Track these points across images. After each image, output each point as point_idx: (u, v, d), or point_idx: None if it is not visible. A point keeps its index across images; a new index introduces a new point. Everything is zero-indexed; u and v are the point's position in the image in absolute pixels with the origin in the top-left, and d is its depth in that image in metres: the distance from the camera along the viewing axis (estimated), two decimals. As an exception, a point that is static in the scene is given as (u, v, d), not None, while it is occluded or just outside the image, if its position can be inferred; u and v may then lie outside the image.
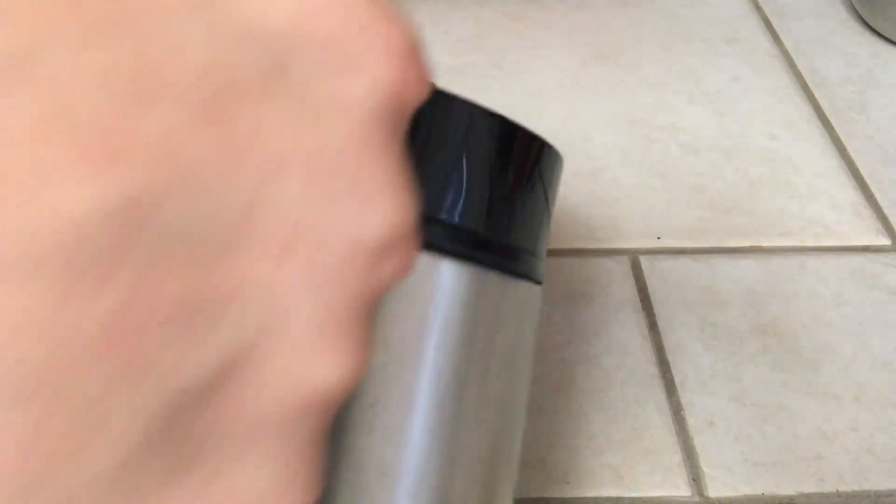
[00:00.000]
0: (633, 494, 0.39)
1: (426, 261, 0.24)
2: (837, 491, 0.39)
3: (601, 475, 0.39)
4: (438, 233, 0.24)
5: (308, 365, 0.14)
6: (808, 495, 0.39)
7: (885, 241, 0.52)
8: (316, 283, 0.14)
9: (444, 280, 0.25)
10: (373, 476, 0.24)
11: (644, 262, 0.50)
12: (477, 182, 0.25)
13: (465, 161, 0.25)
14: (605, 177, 0.55)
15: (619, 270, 0.49)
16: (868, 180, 0.56)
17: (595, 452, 0.40)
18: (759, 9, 0.72)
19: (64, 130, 0.11)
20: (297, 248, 0.13)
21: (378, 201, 0.14)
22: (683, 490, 0.39)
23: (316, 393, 0.14)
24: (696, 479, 0.39)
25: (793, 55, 0.67)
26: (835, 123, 0.61)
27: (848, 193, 0.55)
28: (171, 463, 0.13)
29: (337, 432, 0.23)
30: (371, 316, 0.15)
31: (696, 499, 0.39)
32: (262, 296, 0.13)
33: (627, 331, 0.46)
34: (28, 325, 0.11)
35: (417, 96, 0.15)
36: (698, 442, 0.41)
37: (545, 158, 0.28)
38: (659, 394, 0.43)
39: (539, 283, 0.28)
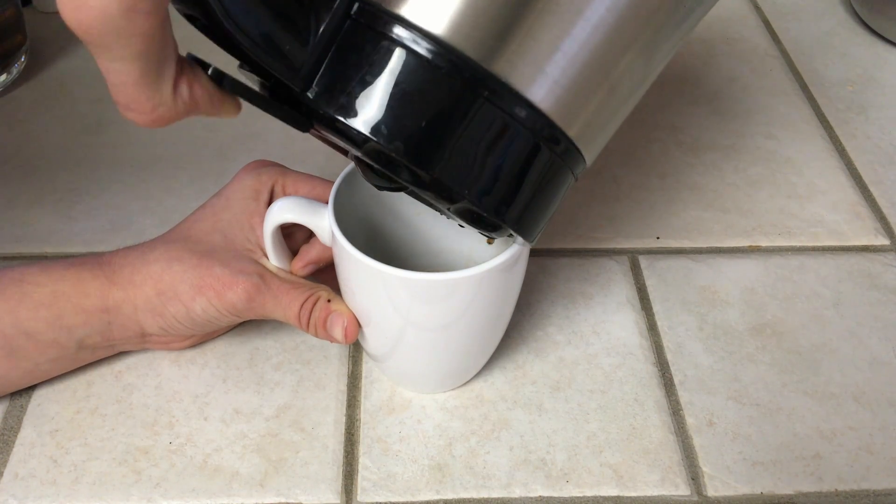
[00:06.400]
0: (632, 493, 0.39)
1: None
2: (836, 490, 0.39)
3: (601, 474, 0.39)
4: None
5: None
6: (806, 494, 0.39)
7: (883, 240, 0.52)
8: None
9: None
10: None
11: (643, 261, 0.50)
12: None
13: None
14: (605, 177, 0.56)
15: (618, 270, 0.49)
16: (867, 180, 0.56)
17: (595, 452, 0.40)
18: (758, 9, 0.73)
19: None
20: None
21: None
22: (682, 489, 0.39)
23: None
24: (695, 478, 0.40)
25: (792, 55, 0.67)
26: (834, 123, 0.61)
27: (847, 193, 0.55)
28: None
29: None
30: None
31: (695, 498, 0.39)
32: None
33: (627, 330, 0.46)
34: None
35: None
36: (697, 441, 0.41)
37: None
38: (658, 393, 0.43)
39: None
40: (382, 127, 0.27)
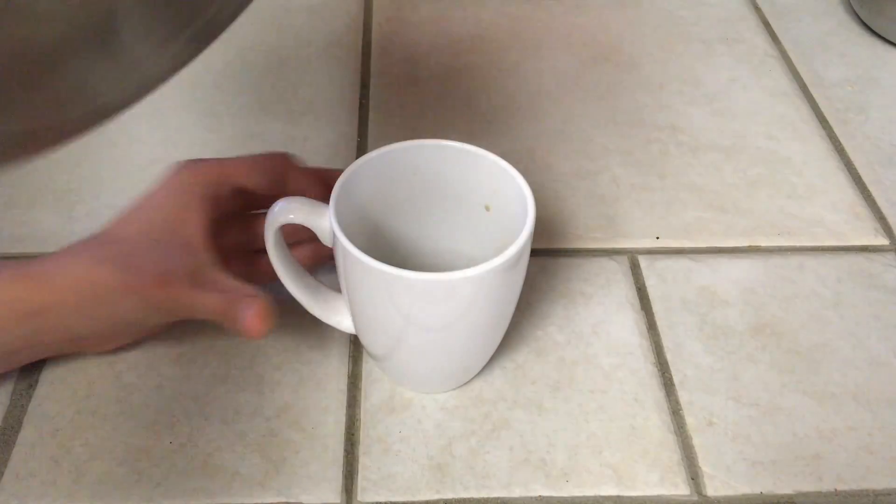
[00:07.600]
0: (632, 493, 0.39)
1: None
2: (836, 490, 0.39)
3: (601, 474, 0.40)
4: None
5: None
6: (806, 494, 0.39)
7: (883, 240, 0.52)
8: None
9: None
10: None
11: (643, 261, 0.50)
12: None
13: None
14: (605, 177, 0.56)
15: (618, 270, 0.49)
16: (866, 180, 0.56)
17: (594, 452, 0.40)
18: (757, 9, 0.73)
19: None
20: None
21: None
22: (682, 489, 0.39)
23: None
24: (694, 478, 0.40)
25: (791, 55, 0.67)
26: (833, 124, 0.61)
27: (846, 194, 0.55)
28: None
29: None
30: None
31: (695, 498, 0.39)
32: None
33: (626, 330, 0.46)
34: None
35: None
36: (697, 441, 0.41)
37: None
38: (658, 393, 0.43)
39: None
40: None
